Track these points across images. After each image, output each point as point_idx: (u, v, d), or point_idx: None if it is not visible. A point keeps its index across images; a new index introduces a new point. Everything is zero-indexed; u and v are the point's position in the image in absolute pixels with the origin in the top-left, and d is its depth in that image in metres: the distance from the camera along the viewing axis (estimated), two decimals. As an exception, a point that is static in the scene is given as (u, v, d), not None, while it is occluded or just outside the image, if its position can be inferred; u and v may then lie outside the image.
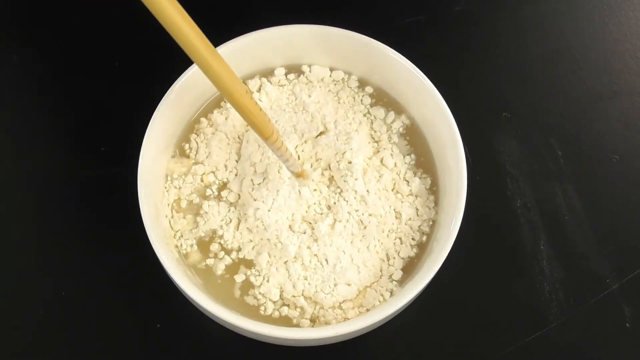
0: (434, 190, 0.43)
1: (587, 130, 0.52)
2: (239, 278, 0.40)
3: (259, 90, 0.45)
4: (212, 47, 0.31)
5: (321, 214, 0.41)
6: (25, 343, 0.44)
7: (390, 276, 0.40)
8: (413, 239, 0.41)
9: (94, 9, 0.55)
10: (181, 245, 0.41)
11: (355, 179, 0.41)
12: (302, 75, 0.46)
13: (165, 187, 0.42)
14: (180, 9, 0.29)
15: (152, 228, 0.38)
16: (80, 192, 0.48)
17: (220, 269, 0.40)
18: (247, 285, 0.40)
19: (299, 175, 0.41)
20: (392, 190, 0.42)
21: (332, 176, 0.42)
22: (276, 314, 0.39)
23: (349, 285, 0.40)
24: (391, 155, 0.43)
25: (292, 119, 0.43)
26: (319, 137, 0.43)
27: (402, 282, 0.40)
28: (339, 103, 0.45)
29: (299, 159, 0.43)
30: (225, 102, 0.45)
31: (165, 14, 0.28)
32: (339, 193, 0.41)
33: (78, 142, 0.50)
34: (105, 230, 0.47)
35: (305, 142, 0.43)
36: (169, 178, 0.43)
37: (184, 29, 0.29)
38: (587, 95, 0.53)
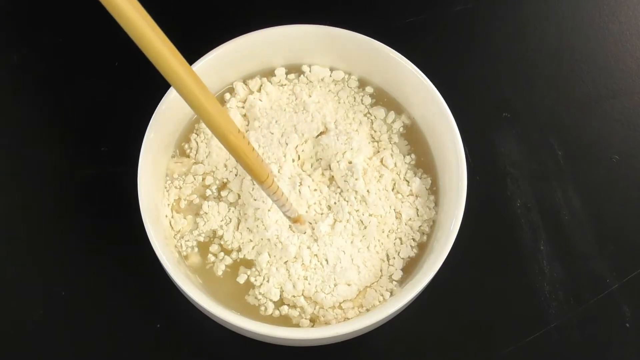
0: (434, 190, 0.43)
1: (587, 130, 0.52)
2: (239, 278, 0.40)
3: (259, 90, 0.45)
4: (204, 85, 0.30)
5: (321, 214, 0.41)
6: (26, 343, 0.44)
7: (390, 276, 0.40)
8: (413, 239, 0.41)
9: (94, 9, 0.55)
10: (181, 245, 0.41)
11: (356, 179, 0.41)
12: (302, 75, 0.46)
13: (166, 187, 0.42)
14: (171, 46, 0.28)
15: (152, 228, 0.38)
16: (81, 192, 0.48)
17: (220, 269, 0.40)
18: (247, 286, 0.40)
19: (295, 220, 0.40)
20: (393, 190, 0.42)
21: (333, 176, 0.42)
22: (276, 314, 0.39)
23: (349, 285, 0.40)
24: (391, 155, 0.43)
25: (293, 119, 0.43)
26: (320, 137, 0.43)
27: (402, 282, 0.40)
28: (339, 103, 0.45)
29: (299, 158, 0.43)
30: (225, 101, 0.45)
31: (153, 50, 0.27)
32: (339, 193, 0.41)
33: (78, 142, 0.50)
34: (105, 230, 0.47)
35: (306, 142, 0.43)
36: (169, 178, 0.43)
37: (174, 65, 0.28)
38: (587, 95, 0.53)
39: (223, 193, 0.42)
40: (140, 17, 0.27)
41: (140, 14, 0.27)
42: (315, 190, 0.42)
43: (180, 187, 0.42)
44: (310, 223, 0.41)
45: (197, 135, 0.44)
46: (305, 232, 0.40)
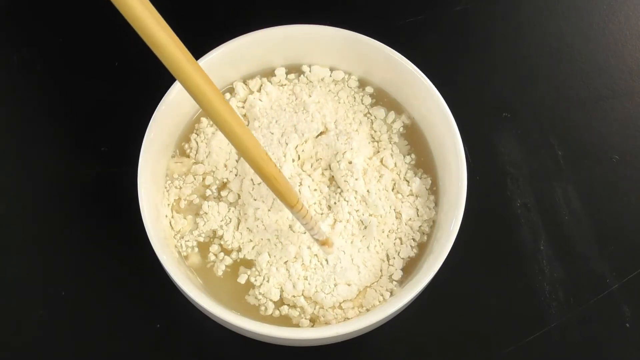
0: (434, 190, 0.43)
1: (587, 130, 0.52)
2: (239, 278, 0.40)
3: (259, 90, 0.45)
4: (237, 114, 0.31)
5: (321, 214, 0.41)
6: (26, 343, 0.44)
7: (390, 276, 0.40)
8: (413, 239, 0.41)
9: (94, 9, 0.55)
10: (181, 245, 0.41)
11: (356, 179, 0.41)
12: (302, 75, 0.46)
13: (166, 187, 0.42)
14: (206, 77, 0.29)
15: (152, 228, 0.38)
16: (80, 192, 0.48)
17: (220, 269, 0.40)
18: (248, 286, 0.40)
19: (323, 243, 0.39)
20: (393, 190, 0.42)
21: (333, 176, 0.42)
22: (276, 314, 0.39)
23: (349, 285, 0.40)
24: (391, 155, 0.43)
25: (293, 119, 0.43)
26: (320, 137, 0.43)
27: (402, 282, 0.40)
28: (339, 103, 0.45)
29: (299, 158, 0.43)
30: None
31: (190, 82, 0.28)
32: (340, 193, 0.41)
33: (78, 142, 0.50)
34: (105, 230, 0.47)
35: (306, 142, 0.43)
36: (169, 178, 0.43)
37: (211, 97, 0.29)
38: (587, 95, 0.53)
39: (223, 193, 0.42)
40: (180, 53, 0.27)
41: (176, 44, 0.27)
42: (315, 190, 0.42)
43: (180, 187, 0.42)
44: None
45: (197, 135, 0.44)
46: (332, 254, 0.40)
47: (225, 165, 0.43)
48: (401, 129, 0.45)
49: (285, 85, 0.46)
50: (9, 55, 0.54)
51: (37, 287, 0.45)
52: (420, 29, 0.56)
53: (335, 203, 0.41)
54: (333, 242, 0.40)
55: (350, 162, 0.42)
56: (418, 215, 0.42)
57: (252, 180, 0.41)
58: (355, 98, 0.45)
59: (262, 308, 0.39)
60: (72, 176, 0.49)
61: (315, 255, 0.40)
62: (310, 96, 0.45)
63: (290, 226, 0.40)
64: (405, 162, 0.43)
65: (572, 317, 0.45)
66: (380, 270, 0.40)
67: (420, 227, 0.41)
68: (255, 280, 0.40)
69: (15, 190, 0.49)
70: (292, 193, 0.35)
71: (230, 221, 0.41)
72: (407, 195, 0.42)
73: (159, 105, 0.41)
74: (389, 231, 0.41)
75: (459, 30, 0.57)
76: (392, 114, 0.45)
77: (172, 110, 0.42)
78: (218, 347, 0.44)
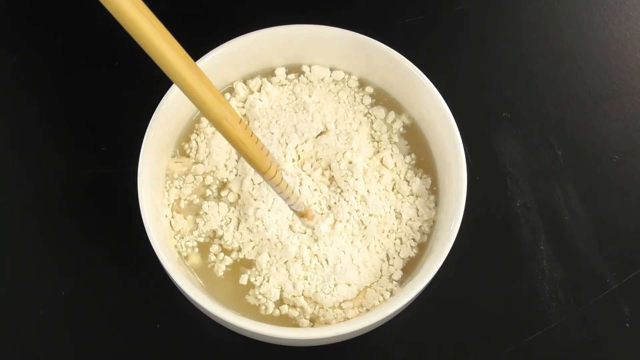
0: (434, 190, 0.43)
1: (587, 130, 0.52)
2: (239, 278, 0.40)
3: (259, 90, 0.45)
4: (196, 66, 0.28)
5: (321, 214, 0.41)
6: (26, 343, 0.44)
7: (390, 276, 0.40)
8: (413, 239, 0.41)
9: (94, 9, 0.55)
10: (181, 245, 0.41)
11: (356, 179, 0.41)
12: (302, 75, 0.46)
13: (166, 187, 0.42)
14: (155, 19, 0.27)
15: (152, 228, 0.38)
16: (80, 192, 0.48)
17: (220, 269, 0.40)
18: (248, 286, 0.40)
19: (302, 215, 0.38)
20: (393, 190, 0.42)
21: (333, 176, 0.42)
22: (276, 313, 0.39)
23: (349, 285, 0.40)
24: (391, 155, 0.43)
25: (293, 119, 0.43)
26: (320, 137, 0.43)
27: (402, 282, 0.40)
28: (339, 103, 0.45)
29: (299, 158, 0.43)
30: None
31: (135, 25, 0.26)
32: (340, 193, 0.41)
33: (78, 142, 0.50)
34: (105, 230, 0.47)
35: (306, 142, 0.43)
36: (169, 178, 0.43)
37: (155, 40, 0.26)
38: (587, 95, 0.53)
39: (223, 193, 0.42)
40: None
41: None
42: (315, 190, 0.42)
43: (180, 187, 0.42)
44: (311, 223, 0.41)
45: (197, 135, 0.44)
46: (313, 228, 0.40)
47: (225, 165, 0.43)
48: (401, 129, 0.45)
49: (285, 85, 0.46)
50: (9, 55, 0.54)
51: (37, 287, 0.45)
52: (420, 29, 0.56)
53: (335, 203, 0.41)
54: (314, 214, 0.39)
55: (350, 162, 0.42)
56: (418, 215, 0.42)
57: (252, 180, 0.41)
58: (355, 98, 0.45)
59: (262, 308, 0.39)
60: (72, 176, 0.49)
61: (315, 255, 0.40)
62: (310, 96, 0.45)
63: (290, 226, 0.40)
64: (405, 162, 0.43)
65: (572, 317, 0.45)
66: (380, 270, 0.40)
67: (420, 227, 0.41)
68: (255, 280, 0.40)
69: (15, 190, 0.49)
70: (262, 158, 0.33)
71: (230, 221, 0.41)
72: (407, 195, 0.42)
73: (159, 105, 0.41)
74: (389, 231, 0.41)
75: (459, 30, 0.57)
76: (392, 114, 0.45)
77: (172, 110, 0.42)
78: (218, 347, 0.44)
